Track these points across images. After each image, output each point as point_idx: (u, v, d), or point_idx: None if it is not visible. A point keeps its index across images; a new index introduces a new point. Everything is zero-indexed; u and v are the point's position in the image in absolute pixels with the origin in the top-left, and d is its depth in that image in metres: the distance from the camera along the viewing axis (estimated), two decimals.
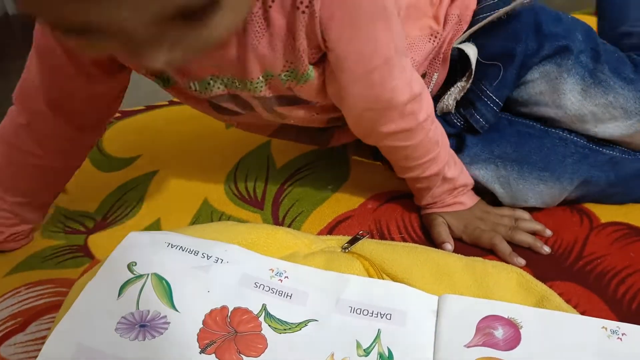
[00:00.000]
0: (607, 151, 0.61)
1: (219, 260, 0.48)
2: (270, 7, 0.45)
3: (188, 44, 0.37)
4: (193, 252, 0.49)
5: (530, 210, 0.61)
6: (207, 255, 0.48)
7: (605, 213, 0.61)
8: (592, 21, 0.96)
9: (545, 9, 0.64)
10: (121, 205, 0.67)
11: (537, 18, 0.62)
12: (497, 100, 0.61)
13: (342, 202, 0.65)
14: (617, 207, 0.61)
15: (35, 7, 0.33)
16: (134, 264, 0.47)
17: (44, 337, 0.48)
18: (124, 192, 0.69)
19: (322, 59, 0.50)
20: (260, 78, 0.50)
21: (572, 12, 0.99)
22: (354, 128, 0.57)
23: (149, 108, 0.85)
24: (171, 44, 0.36)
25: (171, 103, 0.86)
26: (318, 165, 0.71)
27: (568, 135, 0.61)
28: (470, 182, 0.60)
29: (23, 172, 0.58)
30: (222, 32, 0.38)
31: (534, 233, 0.58)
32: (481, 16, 0.62)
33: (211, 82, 0.52)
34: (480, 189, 0.62)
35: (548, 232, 0.59)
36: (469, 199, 0.60)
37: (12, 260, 0.60)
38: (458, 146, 0.62)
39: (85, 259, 0.60)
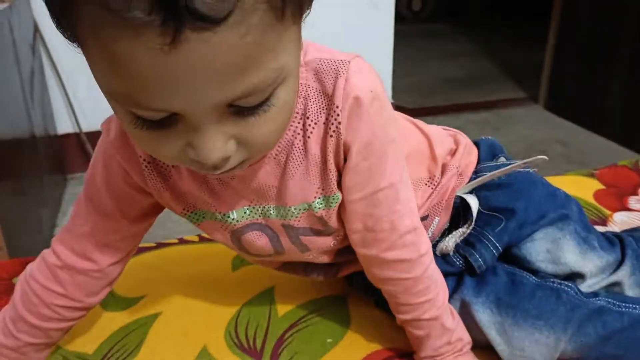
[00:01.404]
0: (597, 301, 0.63)
1: None
2: (309, 137, 0.51)
3: (242, 137, 0.41)
4: None
5: None
6: None
7: None
8: (585, 182, 1.01)
9: (543, 181, 0.69)
10: (120, 348, 0.67)
11: (535, 185, 0.68)
12: (497, 245, 0.65)
13: (341, 358, 0.65)
14: None
15: (125, 99, 0.38)
16: None
17: None
18: (124, 334, 0.69)
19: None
20: (295, 207, 0.55)
21: (569, 173, 1.04)
22: (360, 255, 0.60)
23: (160, 245, 0.87)
24: (229, 135, 0.41)
25: (181, 241, 0.89)
26: (319, 315, 0.72)
27: (559, 286, 0.63)
28: (468, 339, 0.61)
29: (45, 312, 0.59)
30: (271, 131, 0.43)
31: None
32: (481, 174, 0.67)
33: (247, 211, 0.56)
34: (480, 347, 0.62)
35: None
36: None
37: None
38: (456, 285, 0.64)
39: None
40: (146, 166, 0.55)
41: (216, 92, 0.37)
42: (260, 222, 0.58)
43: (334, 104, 0.50)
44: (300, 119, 0.51)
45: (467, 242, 0.66)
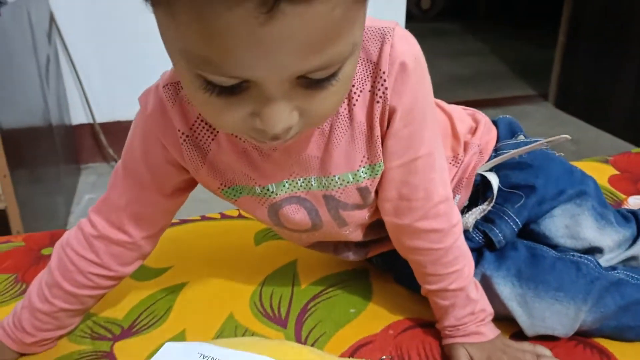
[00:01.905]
0: (615, 273, 0.64)
1: None
2: (354, 105, 0.52)
3: (305, 108, 0.43)
4: None
5: (550, 347, 0.61)
6: None
7: (625, 354, 0.61)
8: (600, 167, 1.02)
9: (560, 159, 0.71)
10: (149, 314, 0.69)
11: (554, 162, 0.69)
12: (517, 220, 0.66)
13: (364, 326, 0.67)
14: (637, 348, 0.62)
15: (204, 64, 0.38)
16: None
17: None
18: (153, 301, 0.71)
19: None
20: (339, 177, 0.56)
21: (584, 159, 1.05)
22: (391, 224, 0.60)
23: (183, 221, 0.89)
24: (294, 106, 0.42)
25: (203, 218, 0.91)
26: (341, 288, 0.74)
27: (579, 259, 0.65)
28: (491, 310, 0.62)
29: (80, 279, 0.60)
30: (333, 104, 0.44)
31: None
32: (501, 152, 0.69)
33: (286, 184, 0.57)
34: (501, 318, 0.63)
35: None
36: (491, 331, 0.61)
37: None
38: (476, 260, 0.65)
39: None
40: (184, 140, 0.56)
41: (297, 63, 0.38)
42: (299, 196, 0.59)
43: (380, 70, 0.51)
44: None
45: (486, 219, 0.68)
